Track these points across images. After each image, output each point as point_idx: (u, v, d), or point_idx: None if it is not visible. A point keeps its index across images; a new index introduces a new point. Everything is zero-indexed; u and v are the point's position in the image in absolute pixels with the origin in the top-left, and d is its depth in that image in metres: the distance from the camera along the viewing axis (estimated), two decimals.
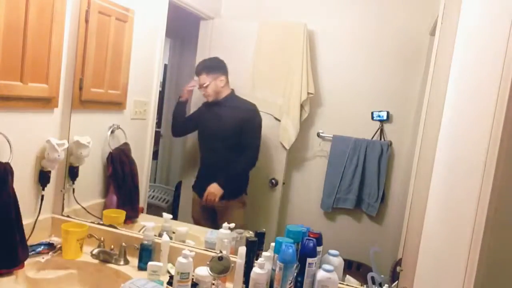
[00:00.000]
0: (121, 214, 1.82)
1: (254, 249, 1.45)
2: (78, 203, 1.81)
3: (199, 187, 2.10)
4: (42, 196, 1.66)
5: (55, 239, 1.67)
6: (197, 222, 2.09)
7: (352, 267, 1.74)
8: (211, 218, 2.05)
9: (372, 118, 1.94)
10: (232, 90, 2.08)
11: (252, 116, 2.03)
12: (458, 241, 0.76)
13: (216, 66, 2.06)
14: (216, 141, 2.09)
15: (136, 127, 2.07)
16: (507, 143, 0.62)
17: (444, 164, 1.05)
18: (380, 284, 1.40)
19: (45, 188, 1.67)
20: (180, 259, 1.36)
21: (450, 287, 0.79)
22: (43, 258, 1.54)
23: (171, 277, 1.45)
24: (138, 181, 1.99)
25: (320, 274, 1.33)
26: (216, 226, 1.77)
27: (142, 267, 1.54)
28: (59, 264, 1.56)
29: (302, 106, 2.04)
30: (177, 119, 2.19)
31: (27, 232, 1.52)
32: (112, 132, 1.92)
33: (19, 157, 1.51)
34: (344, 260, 1.44)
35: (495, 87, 0.66)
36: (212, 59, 2.10)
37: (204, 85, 2.04)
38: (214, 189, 2.01)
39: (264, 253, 1.40)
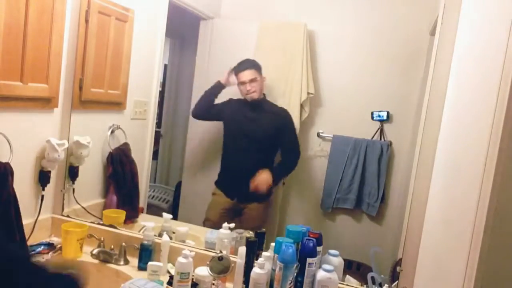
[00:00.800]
0: (121, 214, 1.82)
1: (254, 249, 1.45)
2: (78, 203, 1.81)
3: (227, 186, 2.07)
4: (42, 196, 1.66)
5: (55, 239, 1.67)
6: (215, 225, 1.84)
7: (352, 267, 1.74)
8: (235, 220, 1.92)
9: (372, 118, 1.94)
10: (265, 94, 2.05)
11: (290, 120, 2.01)
12: (458, 241, 0.76)
13: (259, 66, 2.02)
14: (251, 141, 2.04)
15: (136, 127, 2.07)
16: (507, 143, 0.62)
17: (444, 164, 1.05)
18: (380, 284, 1.40)
19: (45, 188, 1.67)
20: (180, 259, 1.36)
21: (450, 287, 0.79)
22: (43, 258, 1.54)
23: (171, 277, 1.45)
24: (138, 181, 1.99)
25: (320, 274, 1.33)
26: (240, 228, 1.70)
27: (142, 267, 1.54)
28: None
29: (302, 106, 2.04)
30: (207, 100, 2.09)
31: (27, 232, 1.52)
32: (112, 132, 1.92)
33: (19, 157, 1.51)
34: (344, 260, 1.44)
35: (495, 87, 0.66)
36: (254, 60, 2.04)
37: (255, 79, 1.99)
38: (266, 176, 1.96)
39: (264, 253, 1.40)
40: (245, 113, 2.05)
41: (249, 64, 2.01)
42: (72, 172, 1.78)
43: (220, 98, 2.09)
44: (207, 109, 2.11)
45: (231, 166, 2.10)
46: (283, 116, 2.02)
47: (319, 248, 1.38)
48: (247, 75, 1.99)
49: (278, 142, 2.02)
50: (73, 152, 1.75)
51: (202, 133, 2.27)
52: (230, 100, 2.08)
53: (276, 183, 2.02)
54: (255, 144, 2.03)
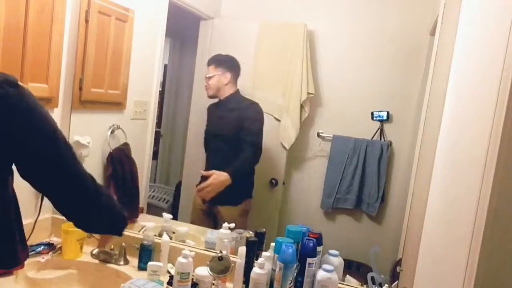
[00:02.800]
0: None
1: (254, 249, 1.45)
2: None
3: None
4: (42, 196, 1.66)
5: (55, 239, 1.67)
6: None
7: (352, 267, 1.74)
8: (212, 226, 1.96)
9: (372, 118, 1.94)
10: (237, 90, 2.03)
11: (255, 111, 1.99)
12: (458, 241, 0.76)
13: (226, 62, 2.01)
14: (220, 141, 2.05)
15: (136, 127, 2.07)
16: (507, 143, 0.62)
17: (444, 164, 1.05)
18: (380, 284, 1.40)
19: None
20: (180, 259, 1.36)
21: (450, 287, 0.79)
22: (43, 258, 1.54)
23: (171, 277, 1.45)
24: (138, 181, 1.99)
25: (320, 274, 1.33)
26: None
27: (142, 267, 1.54)
28: (59, 264, 1.56)
29: (302, 106, 2.04)
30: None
31: (27, 232, 1.51)
32: (112, 132, 1.92)
33: None
34: (344, 260, 1.44)
35: (495, 87, 0.66)
36: (226, 55, 2.04)
37: (209, 76, 2.00)
38: (213, 181, 1.87)
39: (264, 253, 1.40)
40: (215, 113, 2.07)
41: (211, 60, 2.03)
42: None
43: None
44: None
45: (207, 167, 2.07)
46: (249, 108, 2.01)
47: (319, 248, 1.38)
48: (207, 71, 2.01)
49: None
50: None
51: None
52: (209, 106, 2.12)
53: (235, 179, 1.93)
54: (224, 142, 2.02)
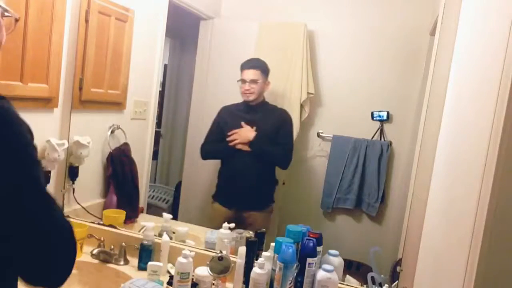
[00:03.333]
0: (121, 214, 1.82)
1: (254, 249, 1.45)
2: (78, 203, 1.81)
3: (224, 197, 2.03)
4: None
5: None
6: None
7: (352, 267, 1.74)
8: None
9: (372, 118, 1.94)
10: (264, 97, 2.00)
11: (289, 121, 1.97)
12: (458, 241, 0.76)
13: (267, 70, 1.96)
14: (250, 145, 1.95)
15: (136, 127, 2.07)
16: (507, 143, 0.61)
17: (444, 164, 1.05)
18: (380, 284, 1.40)
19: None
20: (180, 259, 1.36)
21: (450, 287, 0.79)
22: None
23: (171, 277, 1.45)
24: (138, 181, 1.99)
25: (320, 274, 1.33)
26: None
27: (142, 267, 1.54)
28: None
29: (302, 106, 2.04)
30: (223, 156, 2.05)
31: None
32: (112, 132, 1.92)
33: None
34: (344, 260, 1.44)
35: (495, 87, 0.66)
36: (264, 61, 1.97)
37: (255, 79, 1.93)
38: (249, 133, 1.90)
39: (264, 253, 1.40)
40: (243, 116, 1.98)
41: (256, 64, 1.96)
42: (72, 172, 1.78)
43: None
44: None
45: (230, 174, 2.04)
46: (283, 116, 1.99)
47: (319, 248, 1.38)
48: (249, 74, 1.95)
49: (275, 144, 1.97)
50: (73, 152, 1.75)
51: (202, 133, 2.27)
52: (222, 109, 2.04)
53: (262, 193, 1.99)
54: (249, 147, 1.97)
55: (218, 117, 2.04)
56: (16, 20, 0.79)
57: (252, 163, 1.96)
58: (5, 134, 0.66)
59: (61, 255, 0.73)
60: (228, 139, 1.95)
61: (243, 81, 1.96)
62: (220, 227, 1.79)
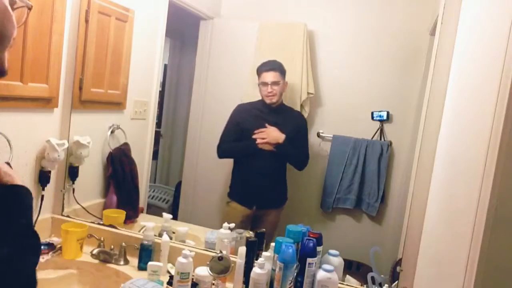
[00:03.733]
0: (121, 214, 1.82)
1: (254, 249, 1.45)
2: (78, 203, 1.81)
3: (244, 197, 2.03)
4: (42, 196, 1.66)
5: (55, 239, 1.67)
6: None
7: (352, 267, 1.74)
8: (253, 228, 1.90)
9: (372, 118, 1.94)
10: (282, 98, 2.00)
11: (305, 125, 2.01)
12: (458, 241, 0.76)
13: (285, 72, 1.97)
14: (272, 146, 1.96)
15: (136, 127, 2.07)
16: (507, 143, 0.62)
17: (444, 164, 1.05)
18: (380, 284, 1.40)
19: (45, 188, 1.67)
20: (180, 259, 1.36)
21: (450, 287, 0.79)
22: (43, 258, 1.54)
23: (171, 277, 1.45)
24: (138, 181, 1.99)
25: (320, 274, 1.33)
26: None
27: (142, 267, 1.54)
28: (59, 264, 1.56)
29: (302, 106, 2.04)
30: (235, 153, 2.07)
31: None
32: (112, 132, 1.92)
33: (19, 157, 1.51)
34: (344, 260, 1.44)
35: (495, 87, 0.66)
36: (280, 62, 1.98)
37: (278, 82, 1.94)
38: (278, 134, 1.92)
39: (264, 253, 1.40)
40: (265, 118, 1.97)
41: (275, 65, 1.96)
42: (72, 172, 1.78)
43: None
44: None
45: (248, 174, 2.04)
46: (300, 120, 2.01)
47: (319, 248, 1.38)
48: (270, 76, 1.94)
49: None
50: (73, 152, 1.75)
51: (202, 133, 2.28)
52: (240, 106, 2.04)
53: (280, 191, 2.03)
54: (275, 148, 1.96)
55: (237, 117, 2.03)
56: (29, 9, 0.72)
57: (271, 162, 1.99)
58: None
59: None
60: (254, 136, 1.95)
61: (264, 84, 1.95)
62: (239, 226, 1.78)
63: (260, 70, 1.96)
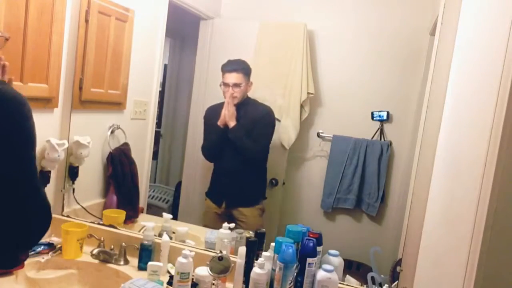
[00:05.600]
0: (121, 214, 1.82)
1: (254, 249, 1.45)
2: (78, 203, 1.81)
3: (214, 194, 2.06)
4: None
5: (55, 239, 1.66)
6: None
7: (352, 267, 1.74)
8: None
9: (372, 118, 1.94)
10: (247, 95, 1.99)
11: (268, 115, 1.97)
12: (458, 241, 0.76)
13: (250, 72, 1.95)
14: (230, 146, 1.95)
15: (136, 127, 2.07)
16: (507, 143, 0.62)
17: (444, 164, 1.05)
18: (380, 284, 1.40)
19: (45, 188, 1.67)
20: (180, 259, 1.36)
21: (450, 287, 0.79)
22: (43, 258, 1.54)
23: (171, 277, 1.45)
24: (138, 181, 1.99)
25: (320, 274, 1.33)
26: None
27: (142, 267, 1.54)
28: (59, 264, 1.56)
29: (302, 106, 2.04)
30: (213, 147, 2.05)
31: None
32: (112, 132, 1.92)
33: None
34: (344, 260, 1.44)
35: (495, 87, 0.66)
36: (245, 62, 1.96)
37: (239, 84, 1.91)
38: (232, 116, 1.91)
39: (264, 253, 1.40)
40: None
41: (238, 66, 1.93)
42: (72, 172, 1.78)
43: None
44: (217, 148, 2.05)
45: (217, 172, 2.07)
46: (261, 112, 1.98)
47: (319, 248, 1.38)
48: (232, 78, 1.92)
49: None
50: (73, 152, 1.75)
51: (202, 133, 2.27)
52: (208, 108, 2.07)
53: (249, 189, 2.02)
54: (235, 147, 1.96)
55: (207, 117, 2.07)
56: (6, 39, 0.94)
57: (238, 160, 1.97)
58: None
59: (39, 229, 0.99)
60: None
61: (225, 85, 1.93)
62: (212, 223, 1.85)
63: (223, 70, 1.94)
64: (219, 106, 1.97)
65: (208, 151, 2.08)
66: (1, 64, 0.93)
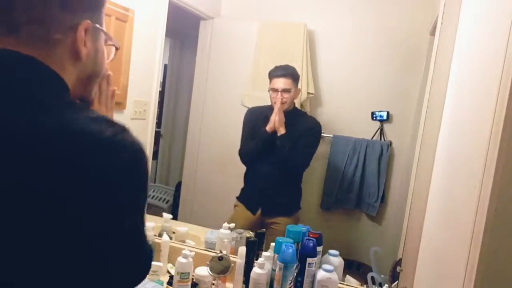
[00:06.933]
0: None
1: (254, 249, 1.45)
2: None
3: (249, 200, 1.97)
4: None
5: None
6: None
7: (352, 267, 1.74)
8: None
9: (372, 118, 1.94)
10: (295, 104, 1.94)
11: (316, 129, 1.90)
12: (458, 241, 0.76)
13: (298, 77, 1.89)
14: (279, 153, 1.87)
15: (136, 127, 2.05)
16: (507, 143, 0.61)
17: (444, 164, 1.05)
18: (380, 284, 1.40)
19: None
20: (180, 259, 1.36)
21: (450, 287, 0.79)
22: None
23: (171, 277, 1.45)
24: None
25: (320, 274, 1.33)
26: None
27: None
28: None
29: (302, 106, 2.04)
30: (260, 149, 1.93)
31: None
32: None
33: None
34: (344, 260, 1.44)
35: (495, 87, 0.66)
36: (294, 68, 1.90)
37: (289, 89, 1.84)
38: (282, 123, 1.83)
39: (264, 253, 1.40)
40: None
41: (287, 71, 1.87)
42: None
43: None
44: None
45: (255, 177, 1.97)
46: (310, 124, 1.92)
47: (319, 248, 1.38)
48: (281, 83, 1.85)
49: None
50: None
51: (202, 133, 2.28)
52: (251, 111, 1.98)
53: (287, 198, 1.94)
54: (278, 142, 1.88)
55: (250, 121, 1.97)
56: (117, 49, 0.80)
57: (278, 166, 1.89)
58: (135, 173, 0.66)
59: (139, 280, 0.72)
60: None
61: (274, 90, 1.86)
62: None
63: (271, 75, 1.88)
64: (265, 110, 1.90)
65: (251, 155, 1.97)
66: (107, 74, 0.81)
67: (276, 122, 1.84)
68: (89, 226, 0.58)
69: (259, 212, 1.92)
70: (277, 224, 1.87)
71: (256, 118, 1.94)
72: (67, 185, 0.56)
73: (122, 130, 0.69)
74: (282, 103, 1.84)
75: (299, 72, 1.99)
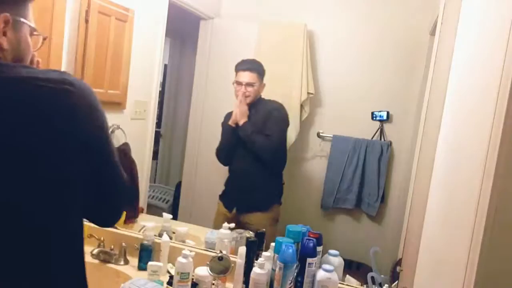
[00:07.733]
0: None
1: (254, 249, 1.45)
2: None
3: (227, 198, 2.01)
4: None
5: None
6: None
7: (352, 267, 1.74)
8: None
9: (372, 118, 1.94)
10: (260, 95, 1.96)
11: (280, 112, 1.92)
12: (458, 241, 0.76)
13: (263, 73, 1.91)
14: (245, 148, 1.91)
15: (136, 127, 2.07)
16: (507, 143, 0.62)
17: (444, 164, 1.05)
18: (380, 284, 1.40)
19: None
20: (180, 259, 1.36)
21: (450, 287, 0.79)
22: None
23: (171, 277, 1.45)
24: (138, 181, 1.99)
25: (320, 274, 1.33)
26: None
27: (142, 267, 1.54)
28: None
29: (302, 106, 2.04)
30: (225, 149, 2.00)
31: None
32: (112, 132, 1.91)
33: None
34: (344, 260, 1.44)
35: (495, 87, 0.66)
36: (260, 63, 1.92)
37: (252, 84, 1.88)
38: (242, 114, 1.87)
39: (264, 253, 1.40)
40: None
41: (252, 66, 1.91)
42: None
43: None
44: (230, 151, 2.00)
45: (231, 176, 2.02)
46: (273, 109, 1.94)
47: (319, 248, 1.38)
48: (245, 76, 1.89)
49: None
50: None
51: (202, 133, 2.28)
52: (226, 114, 2.00)
53: (262, 192, 1.95)
54: (249, 148, 1.92)
55: (225, 122, 2.00)
56: (44, 39, 0.94)
57: (250, 163, 1.93)
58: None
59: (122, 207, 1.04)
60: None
61: (238, 83, 1.91)
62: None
63: (237, 69, 1.92)
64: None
65: (221, 152, 2.02)
66: (36, 60, 0.94)
67: (237, 115, 1.90)
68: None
69: (234, 210, 1.96)
70: (251, 223, 1.87)
71: (228, 118, 1.97)
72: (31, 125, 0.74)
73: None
74: (246, 96, 1.89)
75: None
